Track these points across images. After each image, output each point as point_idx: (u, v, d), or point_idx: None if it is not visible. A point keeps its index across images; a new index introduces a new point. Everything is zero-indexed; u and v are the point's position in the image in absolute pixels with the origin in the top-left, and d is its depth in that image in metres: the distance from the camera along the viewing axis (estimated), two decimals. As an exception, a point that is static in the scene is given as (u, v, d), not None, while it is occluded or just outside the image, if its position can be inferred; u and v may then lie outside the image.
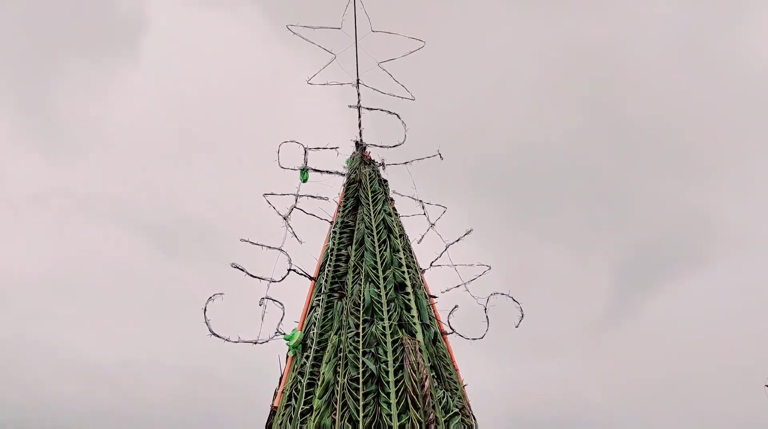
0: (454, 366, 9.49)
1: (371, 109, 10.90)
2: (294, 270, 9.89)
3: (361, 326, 9.06)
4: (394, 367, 8.65)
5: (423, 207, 10.74)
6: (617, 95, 29.72)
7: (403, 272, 9.69)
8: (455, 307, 10.02)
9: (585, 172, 29.63)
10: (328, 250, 10.04)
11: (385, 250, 9.77)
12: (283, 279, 9.78)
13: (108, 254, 28.18)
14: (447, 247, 10.50)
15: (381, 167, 10.75)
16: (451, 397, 8.91)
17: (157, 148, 30.09)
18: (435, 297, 10.15)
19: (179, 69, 30.48)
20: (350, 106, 10.91)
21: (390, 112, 10.89)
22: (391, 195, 10.63)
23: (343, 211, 10.36)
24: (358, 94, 10.91)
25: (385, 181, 10.68)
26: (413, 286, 9.65)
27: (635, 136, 29.61)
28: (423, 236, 10.61)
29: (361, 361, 8.73)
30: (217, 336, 9.13)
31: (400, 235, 10.17)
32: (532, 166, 28.49)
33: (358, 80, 10.91)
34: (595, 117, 30.72)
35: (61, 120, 31.04)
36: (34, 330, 26.89)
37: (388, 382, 8.53)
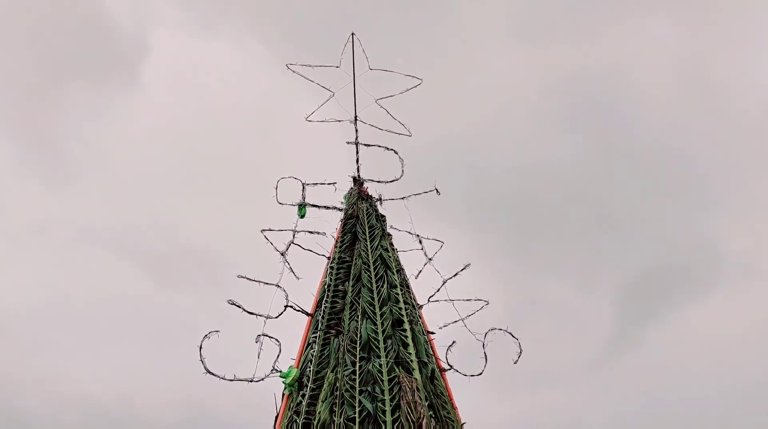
0: (452, 404, 9.41)
1: (369, 145, 10.98)
2: (291, 306, 9.87)
3: (357, 364, 9.01)
4: (391, 406, 8.57)
5: (420, 242, 10.74)
6: (620, 123, 29.77)
7: (401, 308, 9.65)
8: (453, 343, 9.97)
9: (587, 200, 29.60)
10: (325, 286, 10.02)
11: (382, 286, 9.75)
12: (279, 315, 9.75)
13: (107, 285, 28.05)
14: (444, 282, 10.48)
15: (378, 202, 10.79)
16: (449, 437, 8.83)
17: (158, 177, 30.12)
18: (433, 333, 10.09)
19: (180, 99, 30.61)
20: (348, 143, 10.99)
21: (387, 148, 10.96)
22: (388, 230, 10.64)
23: (340, 247, 10.36)
24: (356, 131, 11.00)
25: (383, 216, 10.70)
26: (410, 322, 9.61)
27: (638, 163, 29.59)
28: (420, 271, 10.60)
29: (357, 400, 8.66)
30: (213, 374, 9.07)
31: (398, 271, 10.16)
32: (533, 196, 28.49)
33: (356, 117, 11.00)
34: (597, 144, 30.75)
35: (62, 148, 31.02)
36: (33, 361, 26.69)
37: (385, 422, 8.44)
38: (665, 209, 29.19)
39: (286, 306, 9.82)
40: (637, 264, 29.28)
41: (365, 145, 10.93)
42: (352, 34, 11.11)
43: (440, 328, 10.16)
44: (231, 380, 9.17)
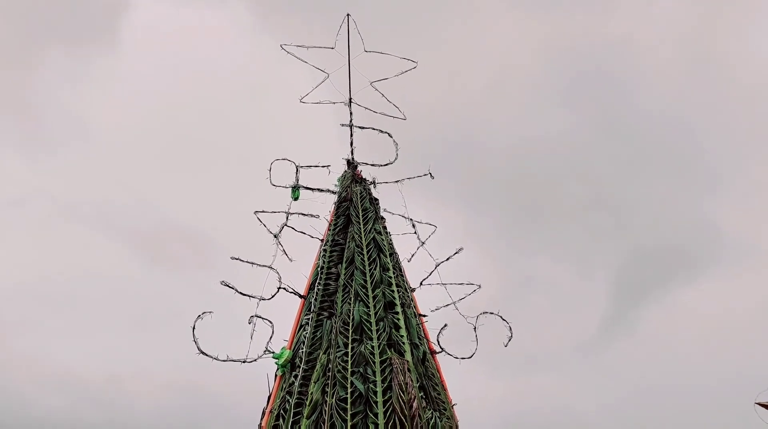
0: (443, 386, 9.52)
1: (363, 127, 10.96)
2: (284, 288, 9.92)
3: (350, 345, 9.09)
4: (382, 387, 8.67)
5: (413, 226, 10.78)
6: (619, 99, 29.35)
7: (393, 291, 9.72)
8: (445, 325, 10.06)
9: (584, 179, 29.32)
10: (318, 269, 10.07)
11: (375, 269, 9.81)
12: (272, 297, 9.80)
13: (92, 263, 26.88)
14: (437, 266, 10.53)
15: (372, 186, 10.80)
16: (439, 418, 8.93)
17: (142, 149, 28.35)
18: (425, 316, 10.17)
19: (163, 64, 28.71)
20: (342, 125, 10.97)
21: (382, 131, 10.96)
22: (381, 213, 10.67)
23: (333, 230, 10.39)
24: (351, 113, 10.97)
25: (376, 199, 10.72)
26: (403, 305, 9.69)
27: (637, 142, 29.21)
28: (413, 255, 10.65)
29: (349, 381, 8.75)
30: (206, 354, 9.14)
31: (390, 254, 10.21)
32: (528, 175, 28.22)
33: (350, 99, 10.97)
34: (594, 122, 30.41)
35: (40, 115, 28.93)
36: (18, 342, 25.99)
37: (376, 403, 8.55)
38: (663, 189, 28.94)
39: (279, 288, 9.87)
40: (634, 245, 29.10)
41: (360, 127, 10.93)
42: (347, 15, 11.06)
43: (432, 311, 10.25)
44: (224, 360, 9.24)
